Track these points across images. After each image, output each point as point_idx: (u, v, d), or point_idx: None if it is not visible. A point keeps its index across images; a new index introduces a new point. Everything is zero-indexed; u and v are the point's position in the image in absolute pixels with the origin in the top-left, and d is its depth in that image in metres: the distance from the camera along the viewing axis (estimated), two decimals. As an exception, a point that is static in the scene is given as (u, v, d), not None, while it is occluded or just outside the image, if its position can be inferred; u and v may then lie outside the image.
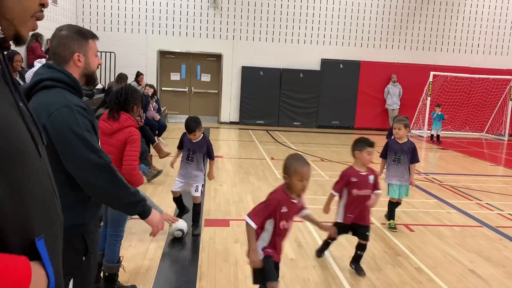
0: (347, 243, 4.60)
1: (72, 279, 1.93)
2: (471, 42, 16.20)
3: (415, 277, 4.04)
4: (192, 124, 4.76)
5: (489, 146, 13.91)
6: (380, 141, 13.03)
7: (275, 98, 15.47)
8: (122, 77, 9.37)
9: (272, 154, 9.93)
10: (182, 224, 4.69)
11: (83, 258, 2.01)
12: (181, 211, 5.11)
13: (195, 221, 4.92)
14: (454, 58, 16.10)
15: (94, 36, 2.14)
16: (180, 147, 4.99)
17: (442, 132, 14.24)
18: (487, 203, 6.73)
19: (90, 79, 2.17)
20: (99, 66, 2.35)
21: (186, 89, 15.49)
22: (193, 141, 4.82)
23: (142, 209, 2.16)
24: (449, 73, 15.34)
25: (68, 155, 1.94)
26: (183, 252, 4.53)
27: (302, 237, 4.88)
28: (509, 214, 6.23)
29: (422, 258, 4.48)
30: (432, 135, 13.87)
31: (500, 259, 4.57)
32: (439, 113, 13.59)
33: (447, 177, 8.57)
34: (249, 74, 15.21)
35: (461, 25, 16.07)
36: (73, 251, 1.93)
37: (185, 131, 4.87)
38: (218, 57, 15.38)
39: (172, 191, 5.02)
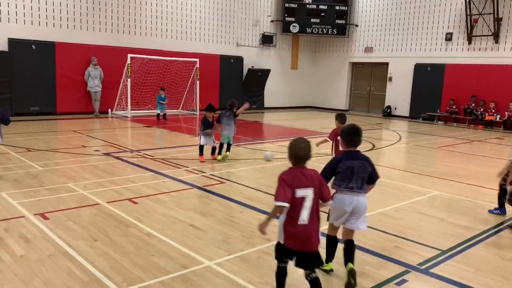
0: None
1: None
2: (161, 27, 17.68)
3: (147, 241, 4.48)
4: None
5: (186, 120, 15.79)
6: (88, 123, 12.77)
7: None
8: None
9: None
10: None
11: None
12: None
13: None
14: (148, 41, 17.24)
15: None
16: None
17: (143, 111, 15.29)
18: (193, 169, 7.85)
19: None
20: None
21: None
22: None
23: None
24: (145, 56, 16.37)
25: None
26: None
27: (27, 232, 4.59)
28: (211, 174, 7.48)
29: (149, 224, 4.97)
30: (158, 115, 15.29)
31: (210, 210, 5.55)
32: (163, 95, 15.24)
33: (157, 151, 9.41)
34: None
35: (150, 11, 17.27)
36: None
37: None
38: None
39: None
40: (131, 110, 15.76)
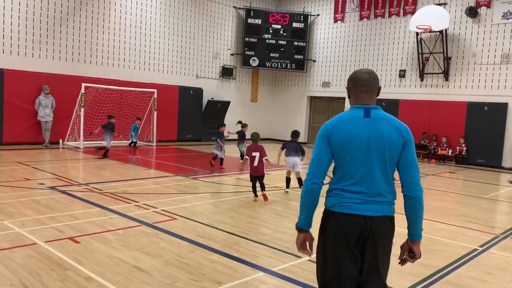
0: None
1: None
2: (118, 56, 17.33)
3: (85, 286, 4.06)
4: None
5: (142, 152, 15.30)
6: (35, 154, 12.18)
7: None
8: None
9: None
10: None
11: None
12: None
13: None
14: (103, 71, 16.81)
15: None
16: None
17: (97, 142, 14.72)
18: (144, 204, 7.44)
19: None
20: None
21: None
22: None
23: None
24: (100, 85, 15.92)
25: None
26: None
27: None
28: (162, 210, 7.10)
29: (90, 266, 4.54)
30: (131, 142, 16.14)
31: (158, 250, 5.18)
32: (137, 125, 16.23)
33: (107, 185, 8.93)
34: None
35: (107, 40, 16.94)
36: None
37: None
38: None
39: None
40: (84, 141, 15.13)
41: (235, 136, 14.01)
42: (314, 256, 2.80)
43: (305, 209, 2.66)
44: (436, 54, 17.80)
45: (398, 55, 19.27)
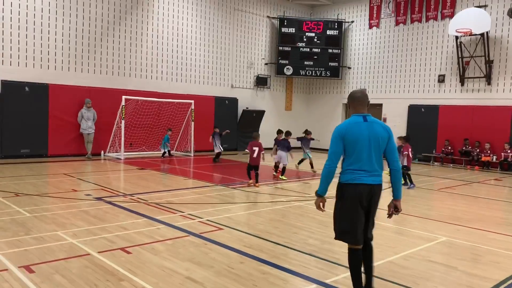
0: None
1: None
2: (156, 69, 17.71)
3: (141, 297, 4.11)
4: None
5: (180, 162, 15.51)
6: (79, 166, 12.50)
7: None
8: None
9: None
10: None
11: None
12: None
13: None
14: (142, 83, 17.22)
15: None
16: None
17: (137, 153, 15.07)
18: (189, 214, 7.51)
19: None
20: None
21: None
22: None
23: None
24: (139, 97, 16.29)
25: None
26: None
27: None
28: (208, 220, 7.14)
29: (143, 277, 4.60)
30: (164, 153, 16.43)
31: (209, 261, 5.19)
32: (169, 136, 16.64)
33: (151, 195, 9.08)
34: None
35: (146, 53, 17.35)
36: None
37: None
38: None
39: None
40: (125, 152, 15.49)
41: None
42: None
43: (326, 183, 4.05)
44: (477, 58, 17.28)
45: (437, 60, 18.82)
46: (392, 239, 6.48)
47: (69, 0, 15.27)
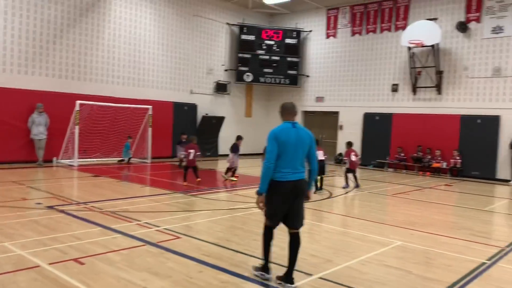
0: None
1: None
2: (112, 73, 17.28)
3: (95, 310, 3.94)
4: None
5: (137, 169, 15.15)
6: (30, 173, 11.98)
7: None
8: None
9: None
10: None
11: None
12: None
13: None
14: (98, 88, 16.73)
15: None
16: None
17: (88, 159, 14.58)
18: (145, 222, 7.32)
19: None
20: None
21: None
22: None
23: None
24: (95, 102, 15.81)
25: None
26: None
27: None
28: (165, 228, 6.98)
29: (97, 289, 4.43)
30: (122, 159, 16.44)
31: (166, 270, 5.07)
32: (129, 143, 16.51)
33: (106, 203, 8.79)
34: None
35: (102, 57, 16.90)
36: None
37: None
38: None
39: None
40: (78, 158, 14.96)
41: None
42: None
43: (266, 180, 4.65)
44: (428, 68, 18.01)
45: (391, 69, 19.47)
46: (349, 244, 6.58)
47: (20, 0, 14.66)
